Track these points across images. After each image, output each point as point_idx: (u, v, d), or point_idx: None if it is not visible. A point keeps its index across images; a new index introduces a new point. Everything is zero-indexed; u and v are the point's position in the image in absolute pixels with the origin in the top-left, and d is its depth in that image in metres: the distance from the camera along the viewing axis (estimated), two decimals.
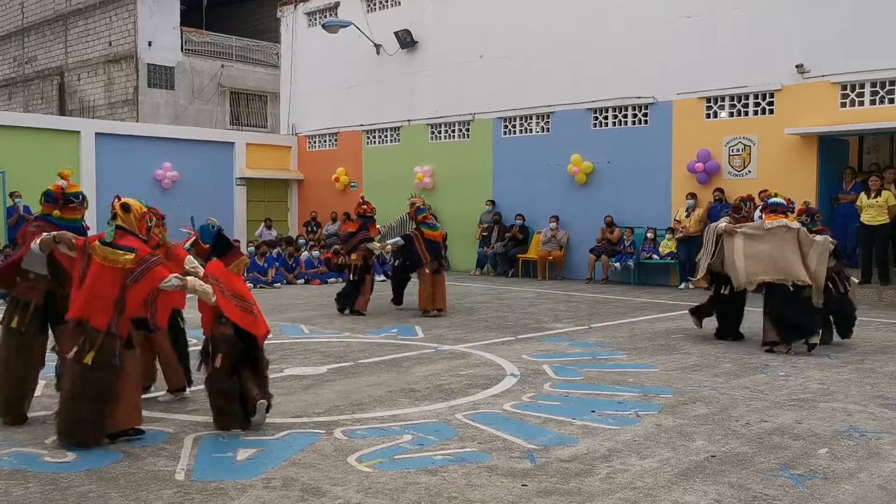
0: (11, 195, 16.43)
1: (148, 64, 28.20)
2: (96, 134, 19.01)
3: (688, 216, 14.75)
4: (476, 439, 5.28)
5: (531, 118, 17.53)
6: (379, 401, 6.35)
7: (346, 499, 4.22)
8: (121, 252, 5.12)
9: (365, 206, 11.75)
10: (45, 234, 5.42)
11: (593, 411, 5.98)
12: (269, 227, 19.93)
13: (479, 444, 5.16)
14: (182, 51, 28.90)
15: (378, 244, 11.79)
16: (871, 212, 12.58)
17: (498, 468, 4.69)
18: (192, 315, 6.43)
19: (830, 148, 13.89)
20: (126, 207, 5.32)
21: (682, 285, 14.80)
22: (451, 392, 6.63)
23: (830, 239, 8.55)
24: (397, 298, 12.02)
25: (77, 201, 5.74)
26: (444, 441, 5.24)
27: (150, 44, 28.08)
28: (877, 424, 5.63)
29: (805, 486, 4.40)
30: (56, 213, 5.69)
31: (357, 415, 5.92)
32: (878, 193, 12.56)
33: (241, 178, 21.58)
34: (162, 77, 28.63)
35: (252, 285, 13.47)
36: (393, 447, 5.11)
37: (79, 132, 18.85)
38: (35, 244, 5.41)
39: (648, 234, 15.27)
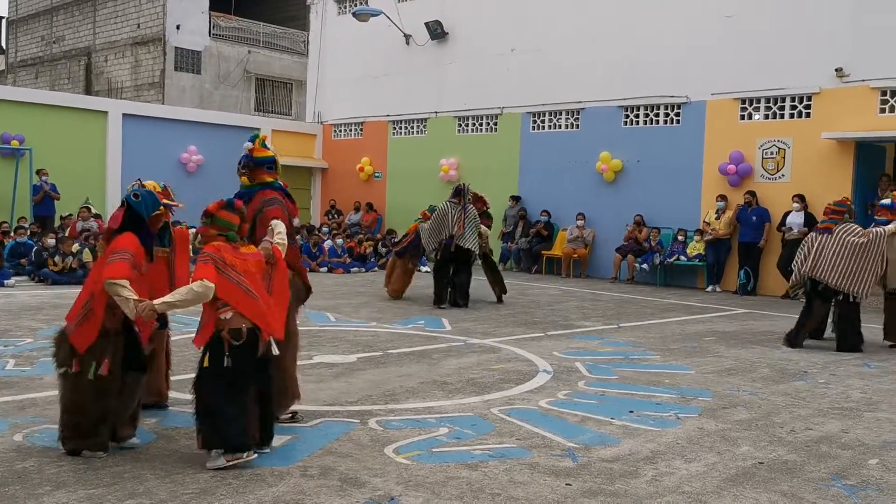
0: (38, 173, 16.40)
1: (175, 47, 28.23)
2: (123, 115, 18.94)
3: (717, 218, 14.55)
4: (514, 435, 5.15)
5: (560, 114, 17.33)
6: (412, 392, 6.24)
7: (386, 490, 4.10)
8: None
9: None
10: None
11: (632, 411, 5.84)
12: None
13: (518, 441, 5.03)
14: (209, 35, 28.91)
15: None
16: None
17: (539, 466, 4.57)
18: None
19: (867, 154, 13.64)
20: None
21: (710, 288, 14.60)
22: (485, 386, 6.50)
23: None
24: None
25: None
26: (482, 436, 5.11)
27: (178, 27, 28.10)
28: None
29: (859, 498, 4.25)
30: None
31: (390, 405, 5.80)
32: None
33: None
34: (189, 61, 28.65)
35: None
36: (430, 440, 4.99)
37: (106, 112, 18.79)
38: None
39: (679, 237, 15.04)
